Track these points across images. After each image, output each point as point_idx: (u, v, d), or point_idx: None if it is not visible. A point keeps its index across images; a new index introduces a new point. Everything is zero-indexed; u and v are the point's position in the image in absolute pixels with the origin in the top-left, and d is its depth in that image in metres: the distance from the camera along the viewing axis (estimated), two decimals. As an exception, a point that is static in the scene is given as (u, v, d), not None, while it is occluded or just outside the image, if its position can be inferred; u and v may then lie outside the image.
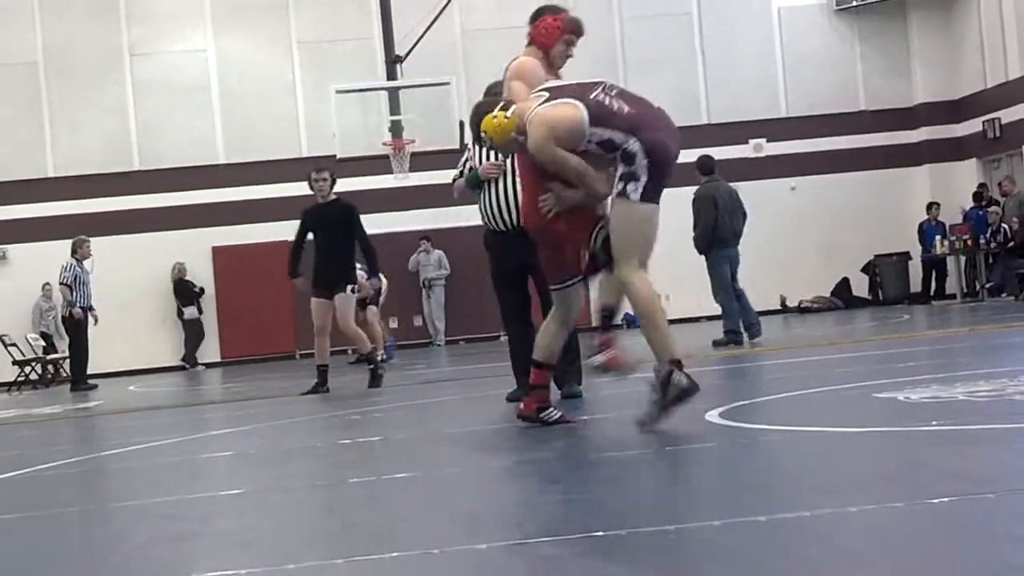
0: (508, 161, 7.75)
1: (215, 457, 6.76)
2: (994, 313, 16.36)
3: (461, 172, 8.41)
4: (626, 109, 5.80)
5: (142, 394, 15.30)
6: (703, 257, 13.67)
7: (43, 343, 21.93)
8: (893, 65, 24.49)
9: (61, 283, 17.68)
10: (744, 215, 13.74)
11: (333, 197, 11.48)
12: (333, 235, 11.33)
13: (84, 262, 17.64)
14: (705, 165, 13.75)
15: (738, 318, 13.36)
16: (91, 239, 18.02)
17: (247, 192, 22.94)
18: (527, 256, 7.19)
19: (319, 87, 22.40)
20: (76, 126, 23.07)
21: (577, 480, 4.81)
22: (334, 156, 21.61)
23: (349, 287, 11.34)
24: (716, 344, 13.03)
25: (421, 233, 22.81)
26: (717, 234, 13.36)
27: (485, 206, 8.09)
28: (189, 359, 22.66)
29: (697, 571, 2.96)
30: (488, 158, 8.03)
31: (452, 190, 8.60)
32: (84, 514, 5.08)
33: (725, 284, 13.38)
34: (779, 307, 23.45)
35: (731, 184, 14.17)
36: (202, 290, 22.85)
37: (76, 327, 17.69)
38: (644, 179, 5.73)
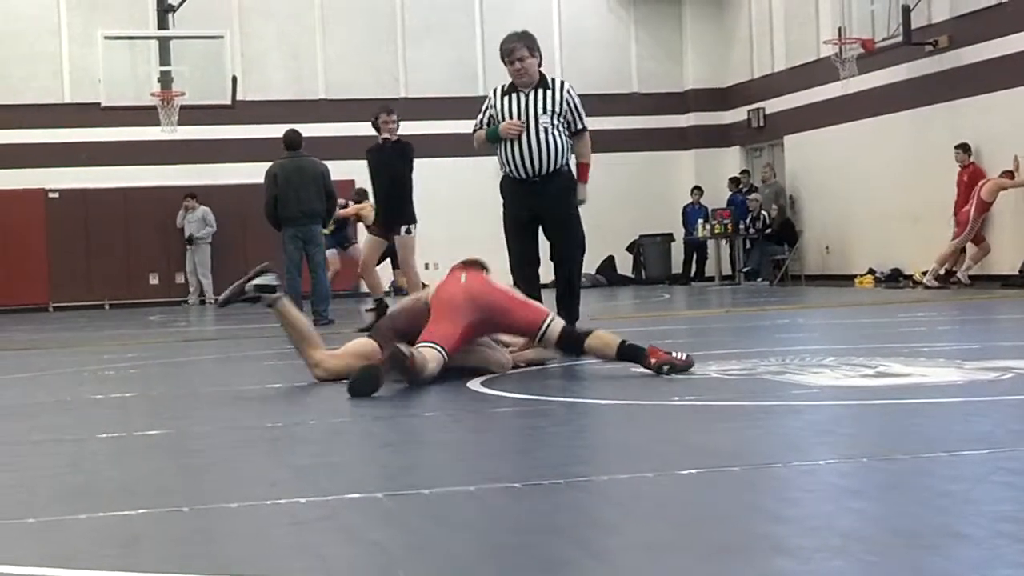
0: (529, 116, 8.05)
1: (-44, 408, 6.45)
2: (749, 296, 16.94)
3: (480, 123, 8.33)
4: None
5: None
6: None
7: None
8: (666, 51, 25.01)
9: None
10: (329, 195, 13.42)
11: (395, 138, 11.66)
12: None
13: None
14: (288, 141, 13.40)
15: (299, 299, 13.21)
16: None
17: (4, 136, 21.91)
18: (540, 205, 8.10)
19: (87, 31, 21.60)
20: None
21: (333, 444, 4.77)
22: (99, 104, 20.86)
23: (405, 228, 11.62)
24: None
25: (187, 189, 22.22)
26: (282, 212, 13.12)
27: (506, 155, 8.16)
28: None
29: (448, 534, 2.96)
30: (511, 112, 8.10)
31: (473, 140, 8.40)
32: None
33: (290, 262, 13.19)
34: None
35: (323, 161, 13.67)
36: None
37: None
38: None
